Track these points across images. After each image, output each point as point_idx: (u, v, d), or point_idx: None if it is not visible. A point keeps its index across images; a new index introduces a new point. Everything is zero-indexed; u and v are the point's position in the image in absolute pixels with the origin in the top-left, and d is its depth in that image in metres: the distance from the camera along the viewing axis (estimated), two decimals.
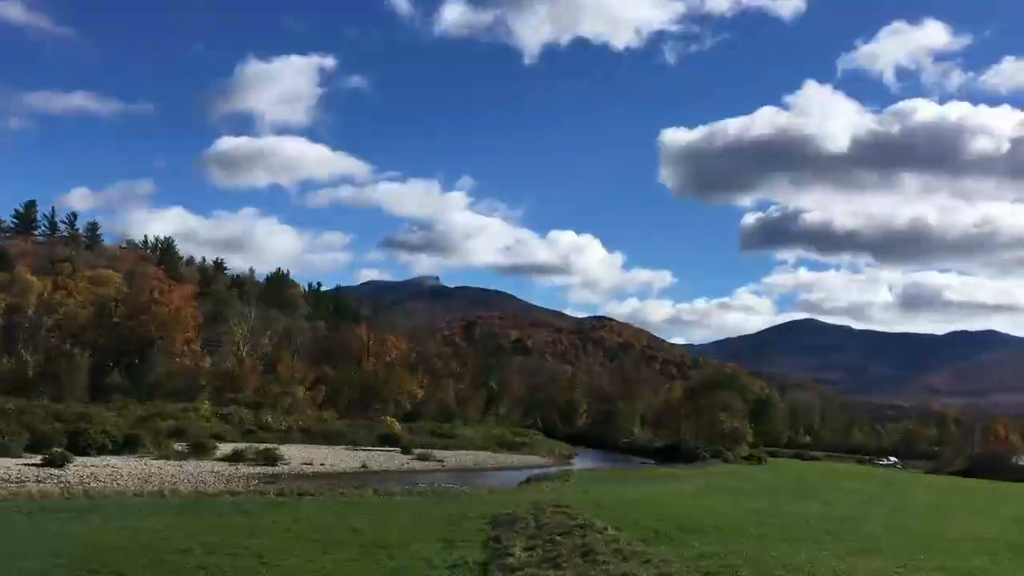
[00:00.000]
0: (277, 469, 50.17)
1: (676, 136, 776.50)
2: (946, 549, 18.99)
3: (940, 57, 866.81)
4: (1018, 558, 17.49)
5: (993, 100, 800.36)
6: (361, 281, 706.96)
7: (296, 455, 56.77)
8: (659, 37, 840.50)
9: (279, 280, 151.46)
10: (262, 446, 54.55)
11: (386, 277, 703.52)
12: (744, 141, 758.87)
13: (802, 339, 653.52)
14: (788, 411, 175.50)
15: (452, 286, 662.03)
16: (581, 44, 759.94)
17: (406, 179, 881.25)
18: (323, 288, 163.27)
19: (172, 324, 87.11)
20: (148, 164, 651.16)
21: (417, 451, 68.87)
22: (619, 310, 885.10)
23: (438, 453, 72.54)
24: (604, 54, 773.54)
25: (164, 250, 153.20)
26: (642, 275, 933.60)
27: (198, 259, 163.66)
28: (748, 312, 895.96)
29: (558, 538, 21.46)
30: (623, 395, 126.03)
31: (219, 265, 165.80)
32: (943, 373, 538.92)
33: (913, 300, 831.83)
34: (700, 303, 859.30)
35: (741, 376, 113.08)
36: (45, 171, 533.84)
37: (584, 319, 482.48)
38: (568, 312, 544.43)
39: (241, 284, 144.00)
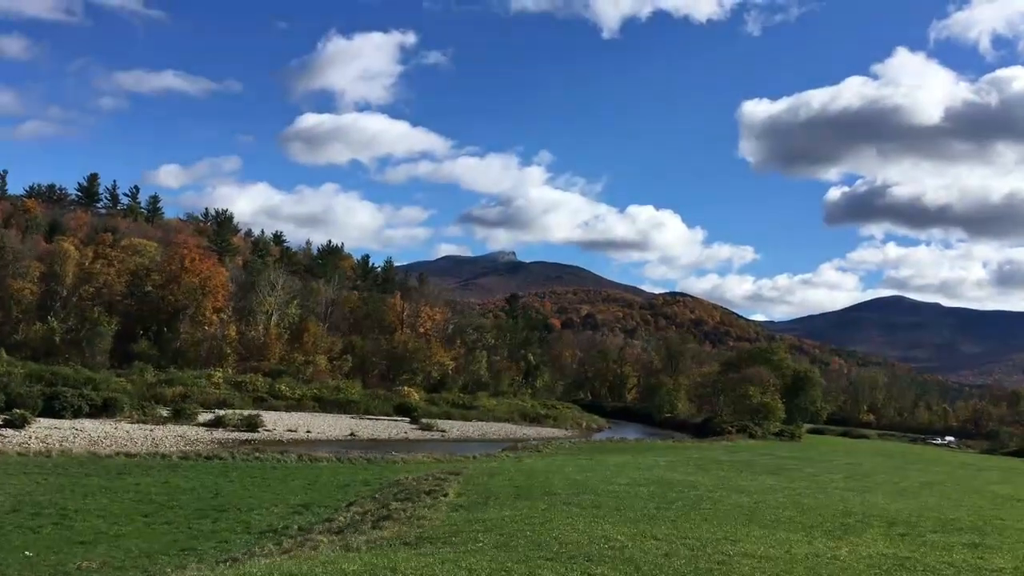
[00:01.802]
0: (257, 435, 49.98)
1: (758, 108, 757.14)
2: (808, 524, 16.66)
3: None
4: (841, 536, 15.10)
5: None
6: (439, 256, 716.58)
7: (284, 422, 56.54)
8: (742, 7, 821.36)
9: (330, 252, 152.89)
10: (246, 412, 54.37)
11: (464, 252, 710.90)
12: (830, 112, 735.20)
13: (890, 317, 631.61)
14: (851, 388, 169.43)
15: (528, 261, 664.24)
16: (661, 17, 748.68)
17: (484, 154, 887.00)
18: (398, 263, 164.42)
19: (201, 293, 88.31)
20: (234, 141, 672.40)
21: (424, 421, 68.18)
22: (698, 286, 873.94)
23: (447, 423, 71.96)
24: (685, 27, 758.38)
25: (221, 222, 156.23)
26: (723, 251, 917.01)
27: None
28: (832, 289, 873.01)
29: (393, 504, 20.59)
30: (668, 369, 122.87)
31: (277, 237, 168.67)
32: None
33: (1008, 276, 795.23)
34: (782, 279, 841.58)
35: (777, 351, 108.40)
36: (136, 148, 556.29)
37: (658, 295, 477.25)
38: (645, 288, 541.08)
39: (291, 255, 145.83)
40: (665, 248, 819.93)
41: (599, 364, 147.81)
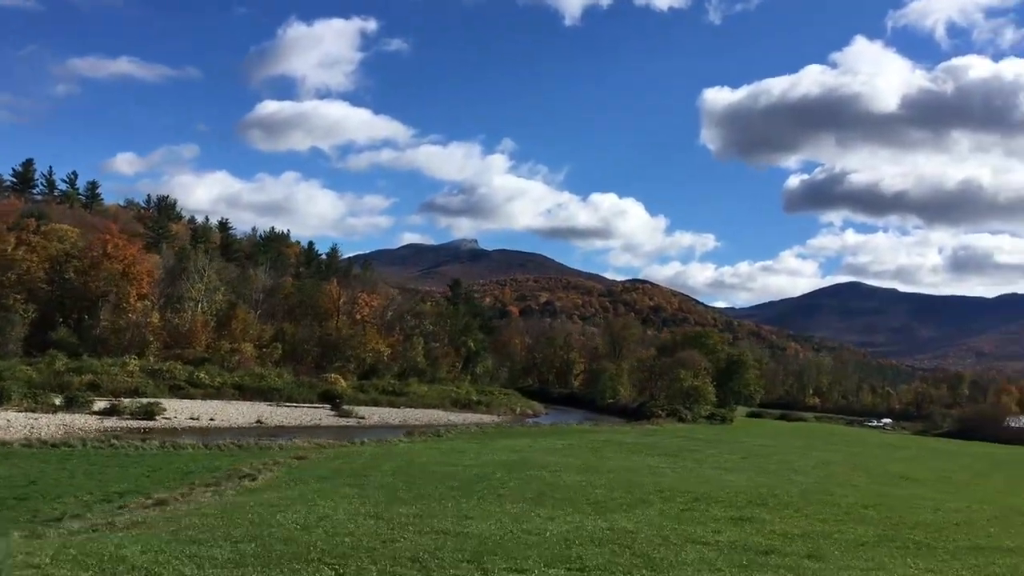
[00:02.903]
0: (154, 424, 48.46)
1: (719, 96, 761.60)
2: (602, 501, 15.91)
3: (992, 13, 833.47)
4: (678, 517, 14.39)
5: None
6: (401, 244, 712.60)
7: (191, 411, 54.98)
8: None
9: (273, 239, 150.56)
10: (145, 401, 52.75)
11: (426, 240, 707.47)
12: (789, 100, 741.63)
13: (848, 302, 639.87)
14: (796, 373, 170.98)
15: (490, 249, 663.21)
16: (623, 5, 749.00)
17: (447, 142, 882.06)
18: (360, 252, 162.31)
19: (124, 279, 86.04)
20: (192, 129, 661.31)
21: (345, 408, 67.06)
22: (661, 273, 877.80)
23: (371, 410, 71.24)
24: (647, 14, 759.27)
25: (161, 208, 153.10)
26: (685, 238, 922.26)
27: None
28: (792, 275, 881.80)
29: (197, 490, 19.78)
30: (611, 355, 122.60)
31: (223, 224, 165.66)
32: (992, 336, 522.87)
33: (963, 263, 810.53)
34: (743, 266, 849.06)
35: (711, 336, 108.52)
36: (91, 136, 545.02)
37: (619, 282, 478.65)
38: (608, 275, 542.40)
39: (233, 242, 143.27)
40: (628, 236, 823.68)
41: (547, 351, 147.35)
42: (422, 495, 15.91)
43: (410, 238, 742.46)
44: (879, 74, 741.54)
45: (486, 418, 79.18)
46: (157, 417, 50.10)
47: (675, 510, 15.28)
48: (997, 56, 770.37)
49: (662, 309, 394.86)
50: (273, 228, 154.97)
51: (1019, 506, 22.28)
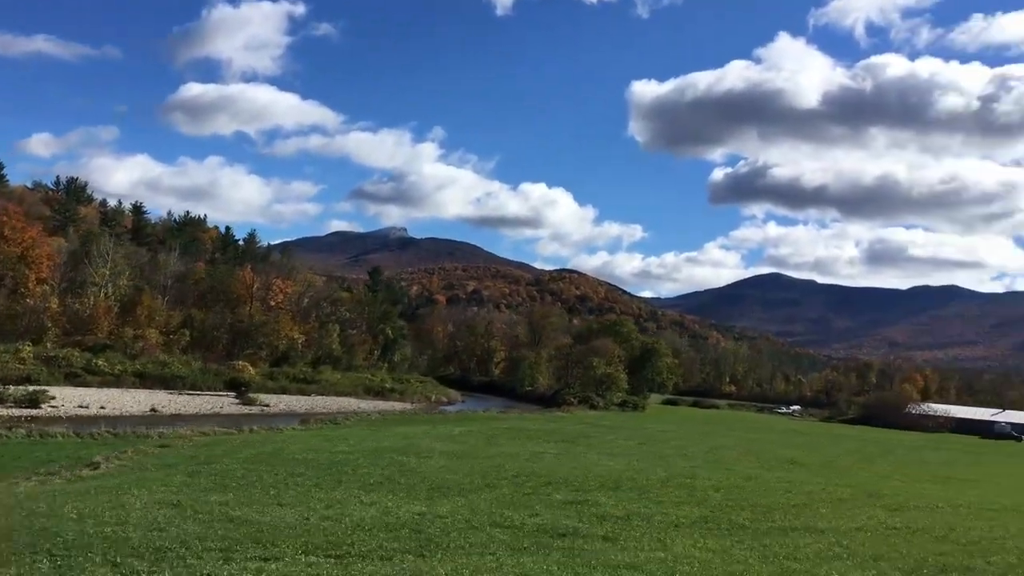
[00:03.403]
0: (39, 412, 46.49)
1: (647, 89, 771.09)
2: (413, 485, 15.65)
3: (909, 13, 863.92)
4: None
5: (962, 57, 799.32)
6: (329, 231, 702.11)
7: (83, 399, 52.98)
8: None
9: (188, 223, 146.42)
10: (31, 388, 50.67)
11: (355, 228, 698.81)
12: (714, 94, 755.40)
13: (769, 293, 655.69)
14: (713, 362, 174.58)
15: (420, 237, 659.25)
16: None
17: (377, 129, 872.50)
18: (287, 239, 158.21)
19: (22, 263, 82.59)
20: (112, 110, 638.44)
21: (249, 396, 65.65)
22: (589, 263, 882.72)
23: (278, 398, 70.09)
24: (577, 6, 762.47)
25: (70, 191, 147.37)
26: (613, 229, 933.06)
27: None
28: (716, 266, 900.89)
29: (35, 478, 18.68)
30: (532, 343, 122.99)
31: (137, 208, 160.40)
32: (904, 327, 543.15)
33: (878, 255, 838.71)
34: (669, 257, 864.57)
35: (625, 324, 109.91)
36: (4, 115, 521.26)
37: (547, 272, 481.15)
38: (537, 265, 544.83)
39: (145, 227, 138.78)
40: (557, 225, 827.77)
41: (468, 339, 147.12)
42: (252, 483, 15.43)
43: (338, 225, 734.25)
44: (801, 71, 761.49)
45: (398, 406, 78.66)
46: (43, 405, 48.07)
47: (516, 495, 15.15)
48: (913, 55, 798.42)
49: (588, 299, 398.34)
50: (188, 212, 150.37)
51: (879, 490, 22.87)
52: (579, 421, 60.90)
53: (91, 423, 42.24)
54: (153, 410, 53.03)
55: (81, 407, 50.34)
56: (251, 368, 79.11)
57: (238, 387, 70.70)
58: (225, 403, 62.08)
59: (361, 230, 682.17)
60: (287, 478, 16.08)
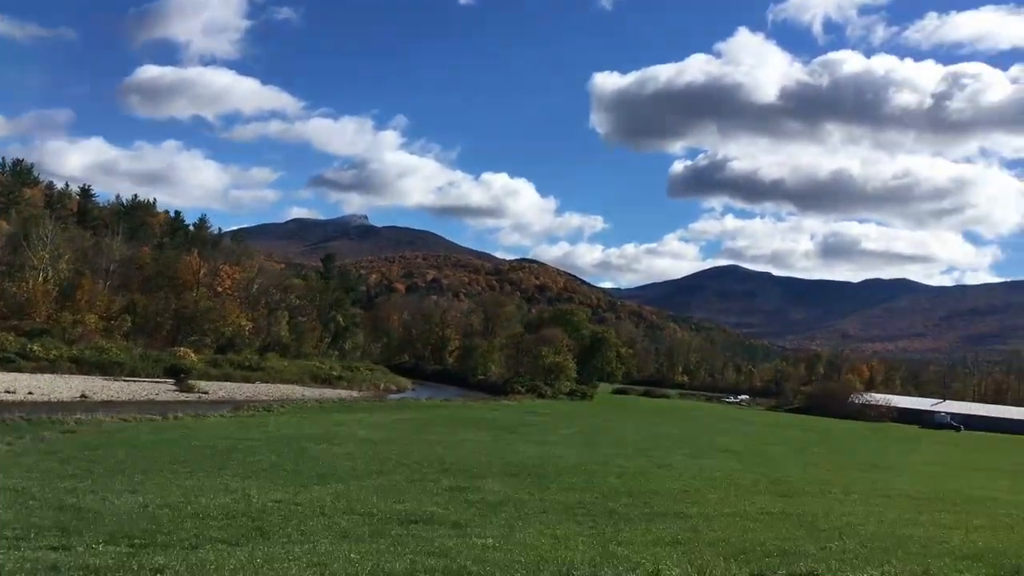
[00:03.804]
0: None
1: (608, 81, 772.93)
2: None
3: (865, 11, 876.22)
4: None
5: (916, 55, 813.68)
6: (289, 219, 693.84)
7: (6, 384, 51.61)
8: None
9: (136, 207, 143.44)
10: None
11: (315, 215, 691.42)
12: (674, 88, 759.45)
13: (726, 285, 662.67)
14: (667, 352, 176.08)
15: (381, 226, 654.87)
16: None
17: (338, 116, 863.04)
18: (245, 225, 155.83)
19: None
20: (66, 92, 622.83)
21: (188, 383, 64.54)
22: (550, 253, 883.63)
23: (219, 385, 69.10)
24: None
25: (15, 172, 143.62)
26: (574, 219, 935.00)
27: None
28: (675, 258, 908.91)
29: None
30: (485, 332, 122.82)
31: (85, 191, 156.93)
32: (856, 319, 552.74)
33: (832, 249, 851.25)
34: (629, 248, 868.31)
35: (575, 313, 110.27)
36: None
37: (507, 261, 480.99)
38: (498, 254, 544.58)
39: (91, 210, 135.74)
40: (518, 216, 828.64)
41: (423, 327, 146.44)
42: (123, 470, 14.97)
43: (298, 212, 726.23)
44: (760, 66, 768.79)
45: (344, 393, 78.03)
46: None
47: (403, 481, 14.91)
48: (869, 52, 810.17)
49: (548, 288, 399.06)
50: (135, 196, 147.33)
51: (788, 478, 23.01)
52: (522, 410, 60.85)
53: (14, 408, 41.18)
54: (84, 396, 51.82)
55: (8, 392, 49.09)
56: (193, 355, 77.82)
57: (177, 374, 69.52)
58: (162, 390, 60.93)
59: (321, 217, 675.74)
60: (167, 465, 15.63)
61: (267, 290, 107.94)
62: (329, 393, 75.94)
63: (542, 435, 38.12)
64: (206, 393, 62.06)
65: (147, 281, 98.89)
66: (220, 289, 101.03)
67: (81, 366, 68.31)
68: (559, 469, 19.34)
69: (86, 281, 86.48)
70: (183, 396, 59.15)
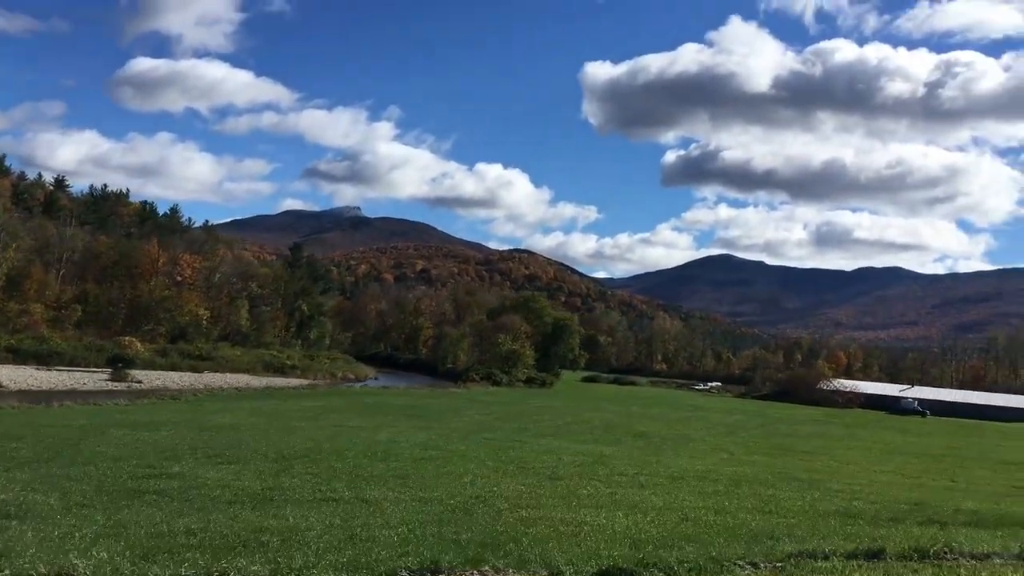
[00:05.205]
0: None
1: (600, 71, 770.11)
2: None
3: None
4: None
5: (909, 43, 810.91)
6: (282, 210, 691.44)
7: None
8: None
9: (105, 197, 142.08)
10: None
11: (308, 207, 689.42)
12: (667, 77, 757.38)
13: (719, 274, 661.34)
14: (646, 340, 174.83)
15: (374, 217, 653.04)
16: None
17: (332, 108, 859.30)
18: (238, 217, 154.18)
19: None
20: (59, 85, 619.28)
21: (124, 372, 63.25)
22: (544, 243, 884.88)
23: (162, 375, 67.85)
24: None
25: None
26: (567, 210, 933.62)
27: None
28: (669, 247, 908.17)
29: None
30: (457, 320, 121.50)
31: (60, 182, 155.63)
32: (848, 307, 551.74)
33: (825, 237, 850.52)
34: (623, 238, 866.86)
35: (538, 300, 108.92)
36: None
37: (498, 252, 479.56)
38: (492, 245, 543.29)
39: (58, 200, 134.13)
40: (512, 206, 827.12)
41: (397, 317, 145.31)
42: None
43: (292, 204, 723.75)
44: (752, 55, 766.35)
45: (295, 382, 76.89)
46: None
47: (277, 468, 13.76)
48: (861, 41, 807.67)
49: (538, 278, 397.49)
50: (106, 186, 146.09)
51: (655, 460, 21.78)
52: (466, 398, 59.56)
53: None
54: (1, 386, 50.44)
55: None
56: (139, 344, 76.41)
57: (116, 364, 68.09)
58: (93, 380, 59.59)
59: (315, 209, 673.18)
60: None
61: (229, 279, 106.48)
62: (278, 382, 74.71)
63: (455, 423, 36.96)
64: (139, 383, 60.68)
65: (104, 271, 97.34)
66: (180, 278, 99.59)
67: (19, 355, 67.00)
68: (400, 451, 18.37)
69: (35, 270, 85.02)
70: (111, 386, 57.84)
